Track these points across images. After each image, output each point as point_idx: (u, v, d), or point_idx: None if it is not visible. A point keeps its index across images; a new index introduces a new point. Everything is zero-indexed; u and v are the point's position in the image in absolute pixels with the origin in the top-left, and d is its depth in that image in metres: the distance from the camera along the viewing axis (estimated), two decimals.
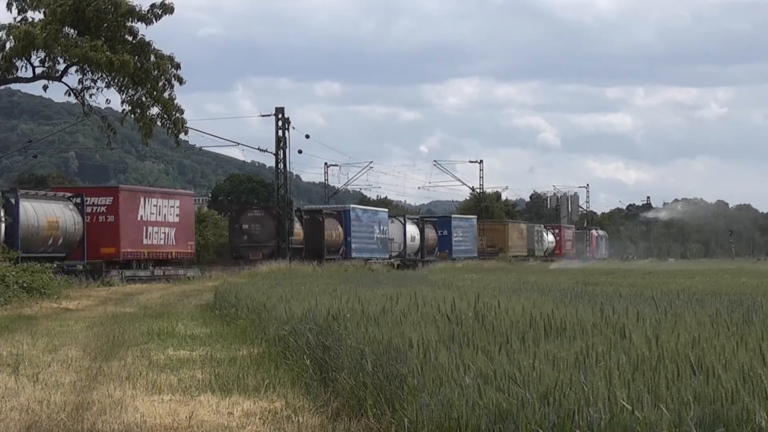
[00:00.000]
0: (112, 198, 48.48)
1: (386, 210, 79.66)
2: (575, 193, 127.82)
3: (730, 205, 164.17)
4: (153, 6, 34.38)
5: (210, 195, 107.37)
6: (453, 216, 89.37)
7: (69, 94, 35.69)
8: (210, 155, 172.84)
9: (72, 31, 34.06)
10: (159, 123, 35.57)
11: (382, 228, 72.90)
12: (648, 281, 33.90)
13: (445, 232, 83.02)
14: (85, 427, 10.28)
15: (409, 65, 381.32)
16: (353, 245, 67.69)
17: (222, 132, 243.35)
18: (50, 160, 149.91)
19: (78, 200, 46.70)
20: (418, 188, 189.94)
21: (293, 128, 66.67)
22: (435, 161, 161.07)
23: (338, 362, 11.50)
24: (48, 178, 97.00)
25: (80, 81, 35.03)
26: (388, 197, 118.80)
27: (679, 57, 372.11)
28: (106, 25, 34.05)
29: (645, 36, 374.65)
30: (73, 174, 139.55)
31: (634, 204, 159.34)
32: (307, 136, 75.98)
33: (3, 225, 40.20)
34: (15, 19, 34.53)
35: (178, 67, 35.11)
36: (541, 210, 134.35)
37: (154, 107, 35.15)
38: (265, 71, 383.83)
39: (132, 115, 35.41)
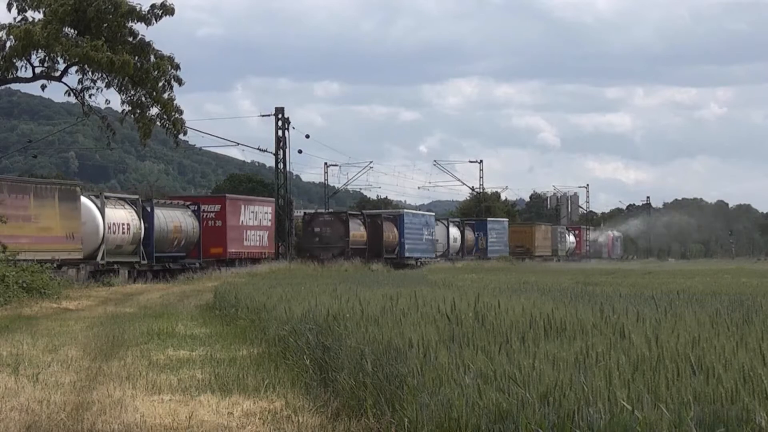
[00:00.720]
0: (219, 206, 56.31)
1: (433, 214, 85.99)
2: (575, 193, 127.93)
3: (730, 205, 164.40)
4: (153, 6, 34.39)
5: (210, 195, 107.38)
6: (488, 219, 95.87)
7: (69, 94, 35.72)
8: (210, 155, 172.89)
9: (72, 31, 34.07)
10: (158, 123, 35.58)
11: (429, 230, 79.37)
12: (648, 281, 33.90)
13: (481, 234, 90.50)
14: (85, 427, 10.28)
15: (409, 65, 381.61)
16: (406, 246, 74.08)
17: (221, 132, 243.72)
18: (50, 160, 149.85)
19: (195, 208, 54.65)
20: (418, 188, 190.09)
21: (293, 128, 66.78)
22: (435, 161, 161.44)
23: (338, 362, 11.50)
24: (48, 178, 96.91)
25: (80, 81, 35.07)
26: (388, 197, 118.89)
27: (679, 57, 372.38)
28: (106, 25, 34.06)
29: (644, 36, 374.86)
30: (73, 174, 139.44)
31: (634, 204, 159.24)
32: (307, 136, 76.21)
33: (142, 229, 48.21)
34: (15, 18, 34.56)
35: (177, 67, 35.13)
36: (541, 210, 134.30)
37: (154, 108, 35.16)
38: (265, 71, 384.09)
39: (132, 116, 35.42)
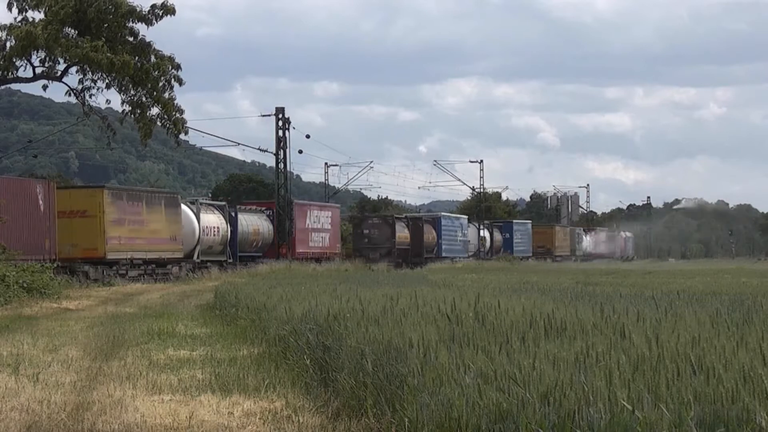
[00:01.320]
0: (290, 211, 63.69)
1: (466, 216, 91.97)
2: (575, 193, 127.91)
3: (730, 205, 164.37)
4: (153, 6, 34.38)
5: (210, 195, 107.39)
6: (514, 221, 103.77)
7: (69, 94, 35.74)
8: (210, 155, 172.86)
9: (72, 31, 34.06)
10: (159, 123, 35.57)
11: (463, 232, 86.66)
12: (648, 281, 33.90)
13: (508, 235, 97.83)
14: (85, 427, 10.28)
15: (408, 65, 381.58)
16: (443, 246, 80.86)
17: (220, 132, 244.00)
18: (50, 160, 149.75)
19: (270, 212, 62.10)
20: (419, 188, 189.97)
21: (293, 128, 66.75)
22: (435, 161, 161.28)
23: (338, 362, 11.50)
24: (48, 178, 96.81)
25: (80, 81, 35.07)
26: (388, 197, 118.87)
27: (678, 57, 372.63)
28: (106, 25, 34.05)
29: (644, 36, 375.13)
30: (73, 174, 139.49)
31: (634, 204, 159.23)
32: (308, 136, 76.09)
33: (229, 232, 55.77)
34: (15, 19, 34.55)
35: (178, 68, 35.13)
36: (542, 210, 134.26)
37: (154, 108, 35.15)
38: (264, 71, 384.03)
39: (132, 116, 35.41)
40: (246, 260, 57.21)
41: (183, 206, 51.30)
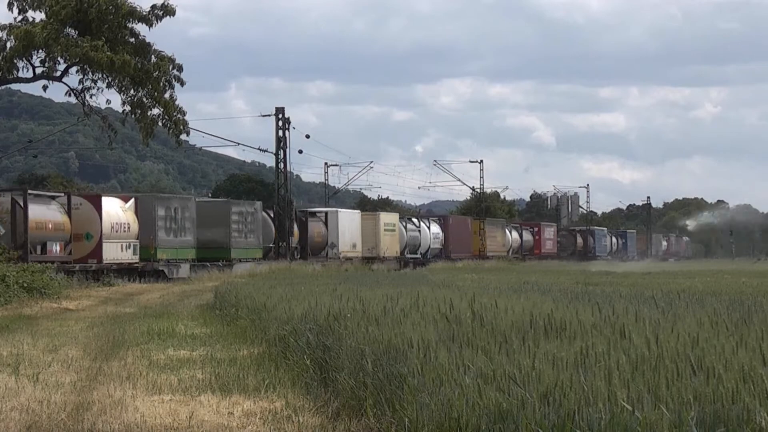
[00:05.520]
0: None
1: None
2: (575, 193, 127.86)
3: (730, 205, 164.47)
4: (154, 7, 34.35)
5: (210, 195, 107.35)
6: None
7: (69, 95, 35.68)
8: (210, 155, 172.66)
9: (73, 31, 34.03)
10: (160, 123, 35.54)
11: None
12: (648, 281, 33.89)
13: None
14: (85, 427, 10.28)
15: (402, 65, 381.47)
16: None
17: (214, 132, 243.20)
18: (50, 160, 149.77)
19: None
20: (419, 188, 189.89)
21: (293, 128, 66.72)
22: (435, 161, 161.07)
23: (338, 362, 11.50)
24: (48, 178, 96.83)
25: (81, 81, 35.01)
26: (389, 197, 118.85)
27: (672, 57, 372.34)
28: (107, 26, 34.02)
29: (637, 36, 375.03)
30: (73, 174, 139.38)
31: (634, 204, 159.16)
32: (308, 136, 76.04)
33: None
34: (15, 19, 34.53)
35: (180, 68, 35.09)
36: (542, 210, 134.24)
37: (155, 108, 35.12)
38: (258, 71, 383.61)
39: (133, 116, 35.38)
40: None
41: None
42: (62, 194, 46.34)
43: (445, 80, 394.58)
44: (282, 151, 65.86)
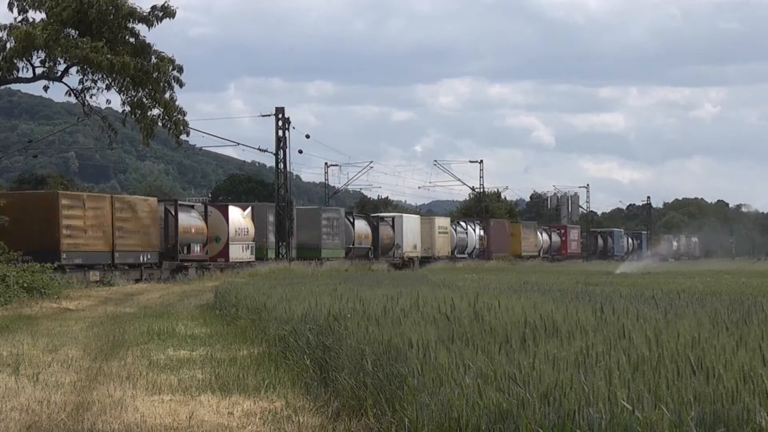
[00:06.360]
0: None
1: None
2: (575, 193, 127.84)
3: (731, 205, 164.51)
4: (154, 8, 34.34)
5: (210, 195, 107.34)
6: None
7: (69, 95, 35.66)
8: (210, 155, 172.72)
9: (73, 31, 34.02)
10: (160, 124, 35.53)
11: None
12: (648, 281, 33.89)
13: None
14: (85, 427, 10.28)
15: (402, 65, 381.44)
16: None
17: (215, 132, 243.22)
18: (50, 160, 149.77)
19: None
20: (419, 188, 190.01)
21: (293, 128, 66.71)
22: (435, 161, 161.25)
23: (338, 362, 11.49)
24: (48, 178, 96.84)
25: (81, 81, 34.99)
26: (388, 197, 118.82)
27: (672, 57, 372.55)
28: (107, 26, 34.00)
29: (637, 36, 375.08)
30: (73, 174, 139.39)
31: (634, 204, 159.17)
32: (308, 136, 76.03)
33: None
34: (15, 19, 34.51)
35: (180, 69, 35.07)
36: (542, 210, 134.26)
37: (155, 108, 35.10)
38: (258, 71, 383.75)
39: (132, 116, 35.37)
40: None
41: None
42: (200, 203, 58.09)
43: (444, 80, 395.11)
44: (282, 151, 65.85)
